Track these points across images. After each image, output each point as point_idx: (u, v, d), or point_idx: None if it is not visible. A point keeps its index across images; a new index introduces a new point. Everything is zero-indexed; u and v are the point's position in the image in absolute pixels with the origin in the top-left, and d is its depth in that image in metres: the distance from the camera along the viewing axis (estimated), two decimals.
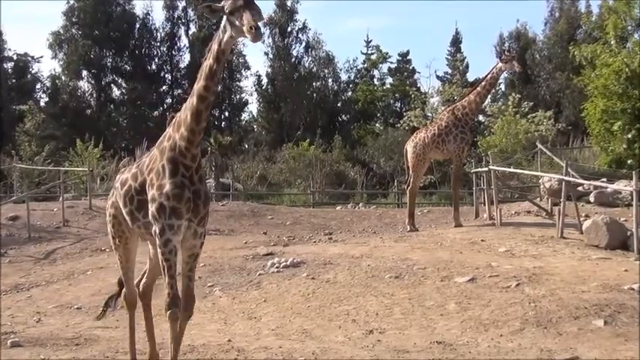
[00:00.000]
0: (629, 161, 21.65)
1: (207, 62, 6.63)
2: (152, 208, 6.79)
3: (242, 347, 9.30)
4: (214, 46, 6.57)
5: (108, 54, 65.34)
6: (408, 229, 19.25)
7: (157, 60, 68.29)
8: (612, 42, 22.12)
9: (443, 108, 26.10)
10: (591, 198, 24.13)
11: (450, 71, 62.84)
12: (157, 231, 6.77)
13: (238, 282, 13.57)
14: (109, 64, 65.96)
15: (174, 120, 6.96)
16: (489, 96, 27.81)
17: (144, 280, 8.32)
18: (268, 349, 9.16)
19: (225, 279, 13.91)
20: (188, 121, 6.73)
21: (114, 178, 8.81)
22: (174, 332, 7.06)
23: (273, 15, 65.31)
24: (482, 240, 16.38)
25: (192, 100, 6.75)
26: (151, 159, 7.03)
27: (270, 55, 66.02)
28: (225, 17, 6.43)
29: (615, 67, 21.53)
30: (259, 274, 14.00)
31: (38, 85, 64.73)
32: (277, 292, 12.66)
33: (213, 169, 35.46)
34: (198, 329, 10.30)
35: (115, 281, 9.22)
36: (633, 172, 18.17)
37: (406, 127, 41.12)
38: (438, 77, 62.75)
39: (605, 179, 24.86)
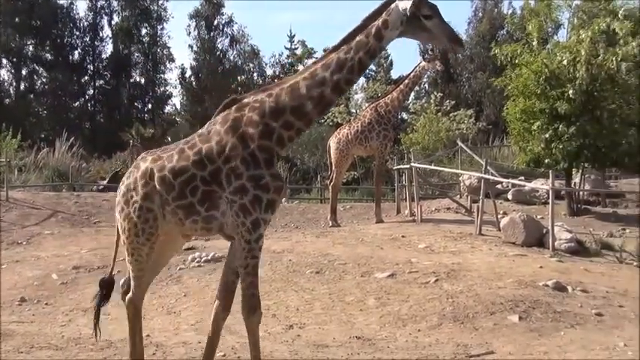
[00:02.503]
0: (546, 160, 22.07)
1: (357, 56, 6.33)
2: (243, 200, 6.28)
3: (160, 342, 9.22)
4: (372, 41, 6.33)
5: (29, 43, 63.95)
6: (330, 224, 19.36)
7: (79, 50, 67.17)
8: (534, 43, 22.52)
9: (366, 105, 26.24)
10: (509, 196, 24.68)
11: (374, 68, 63.24)
12: (250, 225, 6.30)
13: (158, 276, 13.30)
14: (29, 53, 64.59)
15: (258, 105, 6.47)
16: (412, 94, 28.13)
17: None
18: (187, 344, 9.10)
19: None
20: (307, 111, 6.43)
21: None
22: (255, 337, 6.73)
23: (199, 8, 64.79)
24: (402, 236, 16.56)
25: (322, 90, 6.34)
26: (221, 146, 6.41)
27: (195, 48, 65.61)
28: (403, 17, 6.23)
29: (535, 68, 21.92)
30: (180, 269, 13.89)
31: None
32: (198, 287, 12.58)
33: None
34: (116, 324, 10.11)
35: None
36: (550, 171, 18.63)
37: (330, 123, 41.25)
38: None
39: (523, 178, 25.46)
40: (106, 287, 7.62)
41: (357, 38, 6.31)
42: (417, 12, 6.17)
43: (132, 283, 7.18)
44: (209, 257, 14.33)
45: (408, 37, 6.49)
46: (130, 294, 7.26)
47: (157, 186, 6.63)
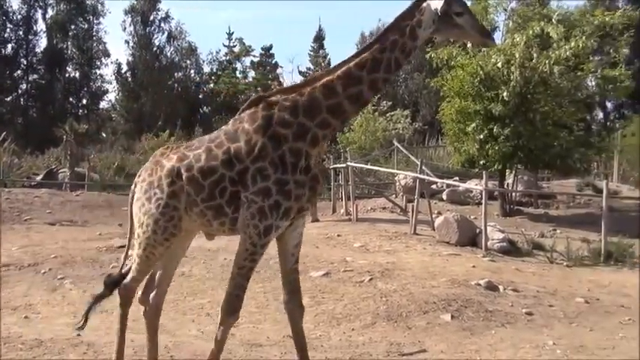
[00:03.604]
0: (480, 161, 22.41)
1: (394, 55, 6.24)
2: (264, 203, 6.11)
3: (92, 342, 9.06)
4: (407, 41, 6.25)
5: None
6: None
7: (12, 44, 65.85)
8: (469, 45, 22.79)
9: None
10: (444, 196, 24.96)
11: (312, 67, 63.41)
12: (262, 229, 6.14)
13: (90, 275, 13.20)
14: None
15: (290, 104, 6.30)
16: None
17: (156, 292, 7.21)
18: None
19: (76, 271, 13.50)
20: (345, 109, 6.30)
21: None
22: (224, 338, 6.62)
23: (134, 3, 64.09)
24: (338, 235, 16.61)
25: (359, 88, 6.26)
26: (250, 145, 6.23)
27: (132, 44, 64.85)
28: (436, 15, 6.19)
29: (470, 70, 22.22)
30: (113, 267, 13.64)
31: None
32: None
33: (69, 157, 34.42)
34: (46, 323, 9.96)
35: None
36: (483, 172, 18.88)
37: None
38: (300, 72, 63.39)
39: (457, 178, 25.76)
40: (112, 285, 7.22)
41: (391, 38, 6.24)
42: (448, 10, 6.18)
43: (132, 273, 6.89)
44: None
45: (440, 35, 6.69)
46: (126, 280, 6.97)
47: (185, 186, 6.40)
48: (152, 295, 7.11)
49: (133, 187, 6.88)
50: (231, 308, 6.38)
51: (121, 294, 7.01)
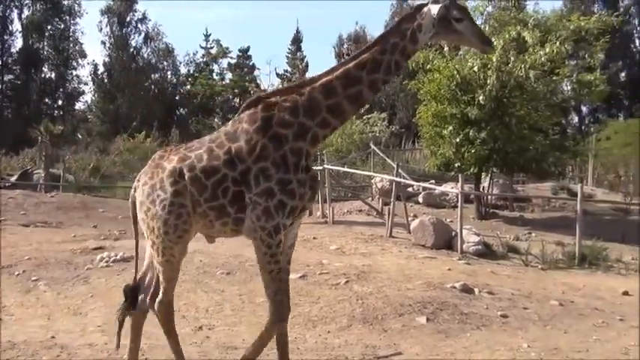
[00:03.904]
0: (456, 164, 22.50)
1: (394, 57, 6.36)
2: (268, 203, 6.14)
3: (66, 344, 9.00)
4: (408, 44, 6.38)
5: None
6: None
7: None
8: (445, 48, 22.90)
9: None
10: (420, 199, 25.03)
11: (289, 69, 63.42)
12: (271, 229, 6.15)
13: (65, 276, 13.10)
14: None
15: (289, 105, 6.37)
16: None
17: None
18: (93, 346, 8.90)
19: (50, 273, 13.40)
20: (345, 109, 6.41)
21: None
22: (285, 340, 6.72)
23: (111, 4, 63.78)
24: (314, 237, 16.60)
25: (359, 89, 6.37)
26: (251, 145, 6.27)
27: (108, 45, 64.52)
28: (435, 20, 6.33)
29: (447, 73, 22.32)
30: (87, 269, 13.59)
31: None
32: (106, 288, 12.33)
33: (43, 159, 34.19)
34: (19, 325, 9.87)
35: None
36: (459, 175, 18.95)
37: None
38: (277, 75, 63.32)
39: (433, 181, 25.85)
40: (132, 295, 7.10)
41: (392, 40, 6.36)
42: (447, 15, 6.30)
43: (162, 284, 6.75)
44: (118, 257, 14.06)
45: (440, 39, 6.81)
46: (160, 296, 6.79)
47: (188, 186, 6.37)
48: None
49: (132, 191, 6.80)
50: (281, 315, 6.44)
51: (161, 311, 6.84)
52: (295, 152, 6.26)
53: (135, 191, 6.72)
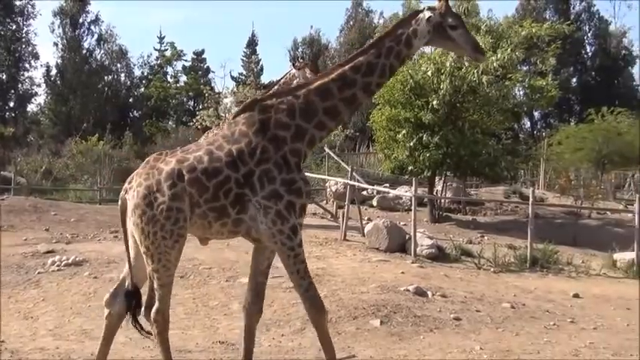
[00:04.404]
0: (410, 168, 22.64)
1: (389, 61, 6.56)
2: (278, 206, 6.22)
3: (16, 348, 8.87)
4: (403, 48, 6.59)
5: None
6: None
7: None
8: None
9: (236, 109, 26.01)
10: (374, 202, 25.14)
11: (244, 72, 63.28)
12: (289, 232, 6.25)
13: (15, 280, 12.93)
14: None
15: (286, 107, 6.49)
16: None
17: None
18: (44, 350, 8.80)
19: (1, 277, 13.22)
20: (340, 111, 6.58)
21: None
22: (326, 336, 6.70)
23: (64, 5, 63.04)
24: None
25: (354, 91, 6.55)
26: (252, 148, 6.34)
27: (61, 46, 63.70)
28: (430, 26, 6.55)
29: (401, 78, 22.43)
30: (39, 273, 13.42)
31: None
32: (57, 292, 12.19)
33: None
34: None
35: None
36: (413, 179, 19.07)
37: (198, 127, 40.86)
38: (232, 78, 63.14)
39: (387, 185, 25.97)
40: (134, 297, 6.84)
41: (387, 45, 6.54)
42: (442, 22, 6.52)
43: (158, 292, 6.56)
44: (69, 261, 13.90)
45: (434, 45, 7.17)
46: (156, 305, 6.57)
47: (188, 187, 6.28)
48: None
49: (123, 193, 6.62)
50: (319, 306, 6.52)
51: (157, 320, 6.61)
52: (295, 153, 6.39)
53: (126, 193, 6.53)
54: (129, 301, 6.85)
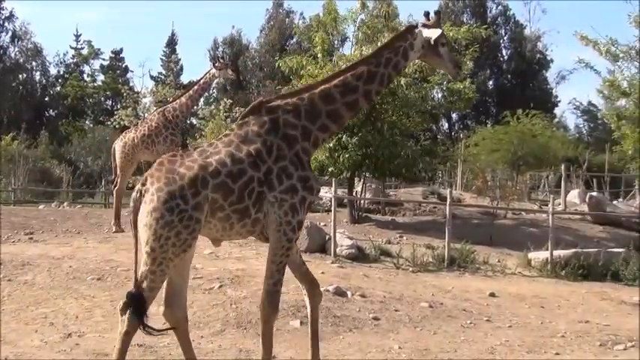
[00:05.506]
0: (330, 169, 22.70)
1: (387, 71, 7.10)
2: (294, 200, 6.57)
3: None
4: (400, 59, 7.17)
5: None
6: (114, 229, 18.77)
7: None
8: (319, 55, 23.09)
9: (155, 108, 25.70)
10: None
11: (164, 72, 62.68)
12: (295, 225, 6.64)
13: None
14: None
15: (292, 108, 6.86)
16: (202, 99, 27.95)
17: (180, 303, 7.02)
18: None
19: None
20: (342, 115, 7.06)
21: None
22: (270, 334, 7.18)
23: None
24: None
25: (355, 97, 7.03)
26: (268, 146, 6.66)
27: None
28: (426, 42, 7.21)
29: (321, 79, 22.49)
30: None
31: None
32: None
33: None
34: None
35: None
36: (333, 180, 19.15)
37: (116, 126, 40.33)
38: (152, 77, 62.51)
39: None
40: (137, 300, 6.56)
41: (386, 55, 7.10)
42: (438, 40, 7.18)
43: (145, 293, 6.44)
44: None
45: (423, 59, 7.66)
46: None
47: (211, 194, 6.33)
48: (176, 308, 6.94)
49: (136, 194, 6.43)
50: (275, 303, 6.94)
51: (134, 322, 6.61)
52: (305, 151, 6.79)
53: (141, 195, 6.37)
54: (133, 304, 6.65)
